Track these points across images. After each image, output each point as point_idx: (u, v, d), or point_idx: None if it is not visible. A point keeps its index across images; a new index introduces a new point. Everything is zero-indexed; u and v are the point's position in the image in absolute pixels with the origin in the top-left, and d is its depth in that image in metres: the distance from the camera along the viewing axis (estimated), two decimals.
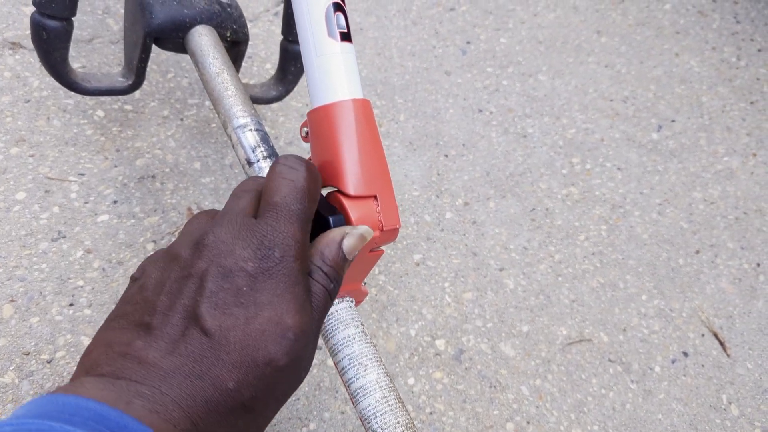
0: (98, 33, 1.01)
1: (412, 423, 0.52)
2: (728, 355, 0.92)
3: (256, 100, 0.87)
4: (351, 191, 0.50)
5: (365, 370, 0.53)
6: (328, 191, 0.53)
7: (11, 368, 0.69)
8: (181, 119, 0.95)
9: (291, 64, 0.88)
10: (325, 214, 0.49)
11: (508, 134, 1.10)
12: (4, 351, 0.69)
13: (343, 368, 0.53)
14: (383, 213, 0.51)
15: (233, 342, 0.32)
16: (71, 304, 0.74)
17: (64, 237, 0.79)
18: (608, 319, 0.91)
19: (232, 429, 0.32)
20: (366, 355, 0.54)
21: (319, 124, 0.53)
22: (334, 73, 0.53)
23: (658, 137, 1.19)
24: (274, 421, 0.71)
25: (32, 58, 0.95)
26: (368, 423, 0.51)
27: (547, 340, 0.87)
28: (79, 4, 1.03)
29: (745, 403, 0.88)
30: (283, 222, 0.37)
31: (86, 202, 0.83)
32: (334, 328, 0.55)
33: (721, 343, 0.93)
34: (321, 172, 0.53)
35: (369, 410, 0.52)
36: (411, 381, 0.79)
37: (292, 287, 0.35)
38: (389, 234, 0.52)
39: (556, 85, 1.23)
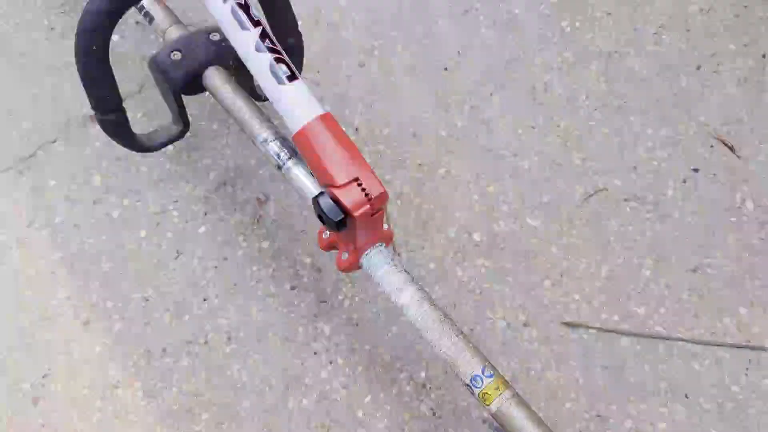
0: (143, 81, 1.24)
1: (445, 315, 0.75)
2: (739, 157, 1.02)
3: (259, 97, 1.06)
4: (338, 182, 0.71)
5: (401, 292, 0.77)
6: (324, 188, 0.74)
7: (185, 354, 0.99)
8: (227, 128, 1.17)
9: None
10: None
11: (497, 24, 1.20)
12: (175, 346, 1.00)
13: (388, 294, 0.77)
14: (367, 187, 0.71)
15: None
16: (205, 299, 1.03)
17: (182, 253, 1.07)
18: (618, 165, 1.04)
19: None
20: (400, 282, 0.77)
21: (301, 145, 0.73)
22: (296, 106, 0.73)
23: None
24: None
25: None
26: (414, 326, 0.76)
27: (566, 202, 1.03)
28: (121, 59, 1.25)
29: (759, 194, 0.99)
30: None
31: (186, 222, 1.09)
32: (373, 270, 0.79)
33: (730, 148, 1.03)
34: (318, 178, 0.74)
35: (412, 318, 0.76)
36: (460, 273, 1.00)
37: None
38: (379, 199, 0.72)
39: None
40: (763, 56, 1.08)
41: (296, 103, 0.72)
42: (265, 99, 1.08)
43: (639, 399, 0.89)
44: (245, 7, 0.72)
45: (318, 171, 0.72)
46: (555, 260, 0.99)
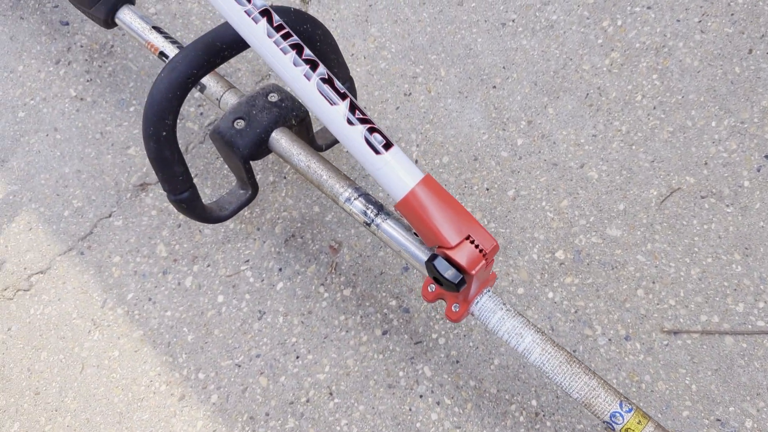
0: (187, 139, 1.22)
1: (571, 355, 0.74)
2: None
3: (329, 146, 1.06)
4: (451, 243, 0.70)
5: (522, 338, 0.76)
6: (435, 250, 0.73)
7: (290, 415, 0.99)
8: (285, 177, 1.16)
9: None
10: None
11: (537, 34, 1.18)
12: (278, 408, 0.99)
13: (506, 341, 0.77)
14: (480, 243, 0.70)
15: None
16: (297, 357, 1.02)
17: (264, 313, 1.06)
18: (688, 162, 1.04)
19: None
20: (518, 326, 0.77)
21: (407, 211, 0.72)
22: (396, 175, 0.71)
23: None
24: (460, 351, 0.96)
25: (162, 190, 1.19)
26: (541, 370, 0.75)
27: (643, 207, 1.02)
28: None
29: None
30: None
31: (262, 280, 1.08)
32: (486, 317, 0.78)
33: None
34: (425, 240, 0.73)
35: (537, 362, 0.75)
36: (550, 294, 0.99)
37: None
38: (493, 251, 0.71)
39: None
40: None
41: (396, 171, 0.71)
42: (326, 149, 1.07)
43: (755, 397, 0.89)
44: (329, 81, 0.70)
45: (427, 235, 0.72)
46: (643, 268, 0.98)
